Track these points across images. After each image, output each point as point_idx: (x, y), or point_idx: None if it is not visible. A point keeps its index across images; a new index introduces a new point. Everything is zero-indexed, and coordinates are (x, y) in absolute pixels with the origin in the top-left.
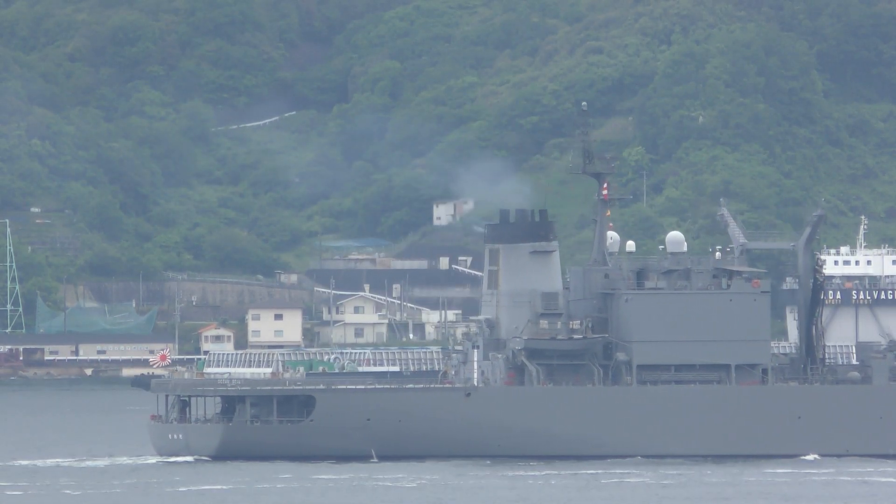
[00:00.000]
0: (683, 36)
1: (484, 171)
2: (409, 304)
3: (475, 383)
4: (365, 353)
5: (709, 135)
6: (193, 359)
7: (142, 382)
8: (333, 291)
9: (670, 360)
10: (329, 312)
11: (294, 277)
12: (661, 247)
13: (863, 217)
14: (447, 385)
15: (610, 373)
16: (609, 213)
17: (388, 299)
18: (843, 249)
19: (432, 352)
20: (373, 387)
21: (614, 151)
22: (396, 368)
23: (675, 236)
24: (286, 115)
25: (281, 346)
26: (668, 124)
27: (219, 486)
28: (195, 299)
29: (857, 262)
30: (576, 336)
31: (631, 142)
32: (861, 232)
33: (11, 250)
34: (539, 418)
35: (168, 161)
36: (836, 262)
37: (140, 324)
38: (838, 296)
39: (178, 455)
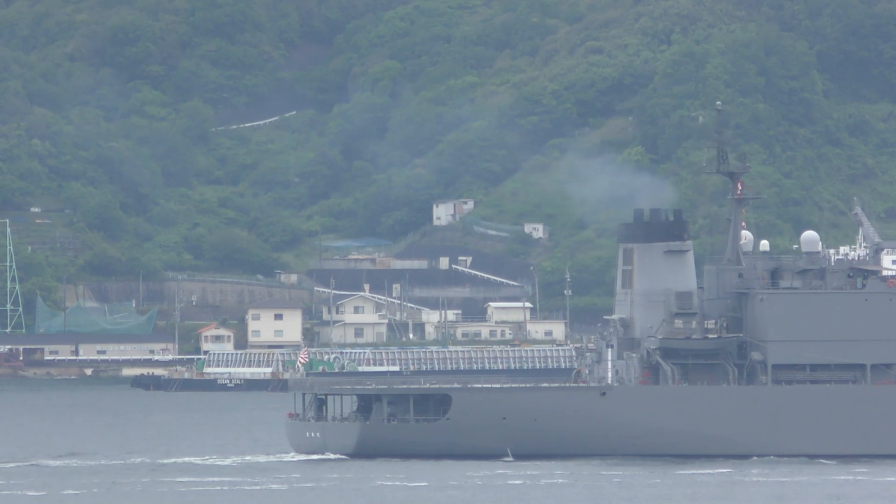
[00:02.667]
0: (683, 36)
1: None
2: (409, 304)
3: (610, 382)
4: (365, 352)
5: (709, 135)
6: (193, 359)
7: (142, 382)
8: (333, 291)
9: (805, 360)
10: (329, 312)
11: (294, 277)
12: (794, 246)
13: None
14: (582, 384)
15: (745, 372)
16: (744, 212)
17: (388, 299)
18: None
19: (432, 351)
20: (509, 386)
21: (614, 151)
22: (396, 368)
23: (809, 236)
24: (286, 115)
25: (281, 346)
26: (668, 124)
27: (421, 483)
28: (195, 299)
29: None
30: (710, 336)
31: (631, 142)
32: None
33: (11, 250)
34: (674, 417)
35: (168, 161)
36: None
37: (140, 324)
38: None
39: (315, 453)
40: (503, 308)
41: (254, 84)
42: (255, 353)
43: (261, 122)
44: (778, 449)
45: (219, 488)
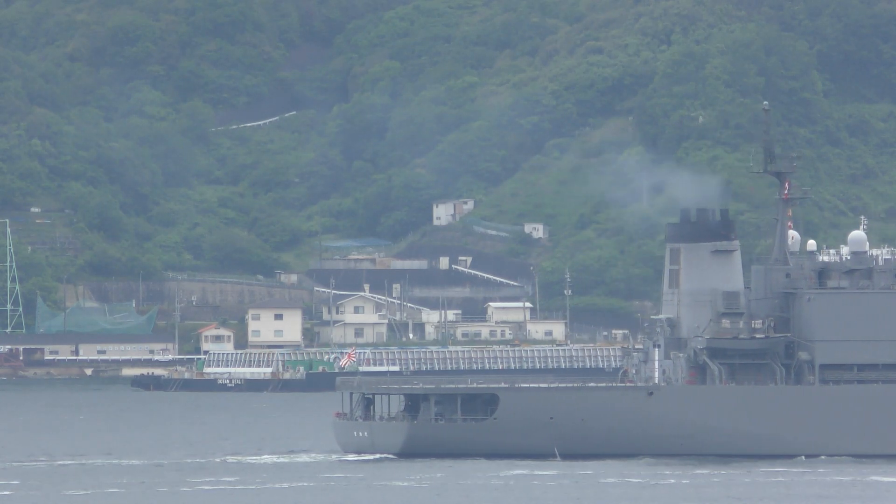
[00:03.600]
0: (683, 36)
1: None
2: (408, 304)
3: (657, 382)
4: (365, 352)
5: (709, 135)
6: (193, 359)
7: (142, 382)
8: (333, 291)
9: (853, 360)
10: (329, 312)
11: (294, 277)
12: (842, 246)
13: (862, 217)
14: (629, 384)
15: (792, 372)
16: (790, 212)
17: (388, 299)
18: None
19: (432, 351)
20: (556, 385)
21: (614, 151)
22: (396, 368)
23: (857, 236)
24: (286, 115)
25: (281, 346)
26: (668, 124)
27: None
28: (195, 299)
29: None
30: (758, 335)
31: (631, 142)
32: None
33: (11, 250)
34: (721, 417)
35: (168, 161)
36: None
37: (140, 324)
38: None
39: (363, 452)
40: (503, 308)
41: (254, 84)
42: (255, 354)
43: (261, 122)
44: (825, 449)
45: (284, 485)
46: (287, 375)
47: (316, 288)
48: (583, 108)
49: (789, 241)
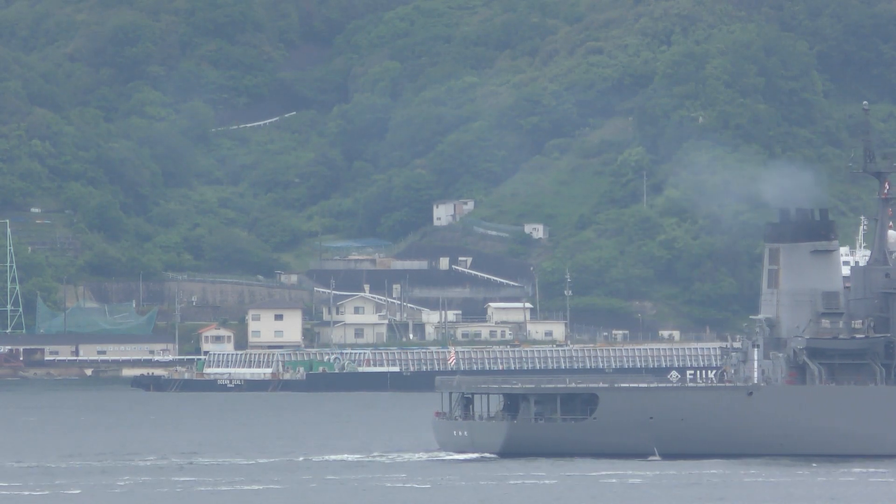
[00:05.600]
0: (683, 36)
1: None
2: (409, 305)
3: (756, 382)
4: (365, 353)
5: (709, 135)
6: (193, 359)
7: (142, 383)
8: (333, 292)
9: None
10: (329, 313)
11: (294, 278)
12: None
13: (862, 217)
14: (728, 384)
15: (892, 372)
16: (891, 212)
17: (388, 300)
18: (843, 249)
19: (432, 351)
20: (656, 385)
21: (614, 151)
22: (396, 369)
23: None
24: (286, 115)
25: (281, 347)
26: (668, 124)
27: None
28: (195, 299)
29: (856, 263)
30: (858, 336)
31: (631, 142)
32: (861, 232)
33: (11, 250)
34: (821, 417)
35: (168, 161)
36: None
37: (140, 324)
38: None
39: (462, 451)
40: (503, 308)
41: (254, 84)
42: (255, 354)
43: (261, 122)
44: None
45: (394, 484)
46: (287, 376)
47: (316, 288)
48: (583, 108)
49: (890, 241)
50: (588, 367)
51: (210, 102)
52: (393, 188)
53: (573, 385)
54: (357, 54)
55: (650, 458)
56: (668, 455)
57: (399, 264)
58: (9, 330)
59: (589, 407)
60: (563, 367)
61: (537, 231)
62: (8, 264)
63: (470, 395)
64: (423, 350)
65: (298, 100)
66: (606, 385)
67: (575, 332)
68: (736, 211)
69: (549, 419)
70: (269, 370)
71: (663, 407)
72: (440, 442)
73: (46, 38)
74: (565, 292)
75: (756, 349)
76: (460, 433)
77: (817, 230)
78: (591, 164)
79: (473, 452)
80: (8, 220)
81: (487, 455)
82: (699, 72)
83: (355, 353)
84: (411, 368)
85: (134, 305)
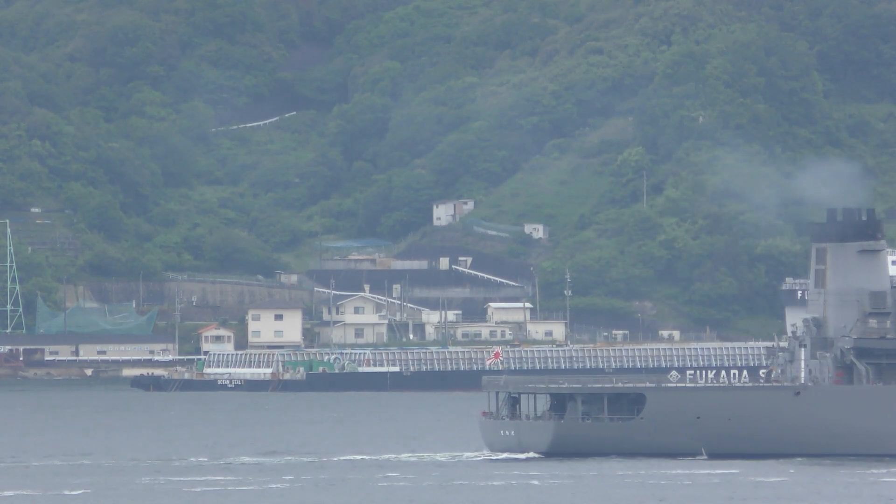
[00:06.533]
0: (683, 36)
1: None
2: (409, 305)
3: (803, 382)
4: (365, 353)
5: (709, 135)
6: (193, 359)
7: (142, 383)
8: (333, 292)
9: None
10: (329, 313)
11: (294, 278)
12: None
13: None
14: (775, 384)
15: None
16: None
17: (389, 300)
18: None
19: (432, 351)
20: (703, 385)
21: (614, 151)
22: (396, 369)
23: None
24: (286, 115)
25: (281, 347)
26: (668, 124)
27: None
28: (195, 299)
29: None
30: None
31: (631, 142)
32: None
33: (11, 250)
34: (869, 417)
35: (168, 161)
36: None
37: (140, 324)
38: None
39: (509, 451)
40: (503, 308)
41: (254, 84)
42: (255, 354)
43: (261, 123)
44: None
45: (463, 482)
46: (287, 376)
47: (316, 288)
48: (583, 108)
49: None
50: (588, 367)
51: (210, 102)
52: (393, 188)
53: (620, 385)
54: (357, 54)
55: (697, 457)
56: (715, 455)
57: (399, 264)
58: (9, 330)
59: (636, 407)
60: (562, 367)
61: (537, 231)
62: (8, 264)
63: (517, 395)
64: (424, 350)
65: (298, 100)
66: (654, 385)
67: (575, 332)
68: (736, 210)
69: (596, 419)
70: (269, 370)
71: (711, 407)
72: (487, 442)
73: (46, 38)
74: (565, 292)
75: (803, 349)
76: (507, 433)
77: (864, 230)
78: (591, 164)
79: (520, 452)
80: (8, 220)
81: (534, 455)
82: (699, 72)
83: (355, 353)
84: (411, 368)
85: (134, 305)
